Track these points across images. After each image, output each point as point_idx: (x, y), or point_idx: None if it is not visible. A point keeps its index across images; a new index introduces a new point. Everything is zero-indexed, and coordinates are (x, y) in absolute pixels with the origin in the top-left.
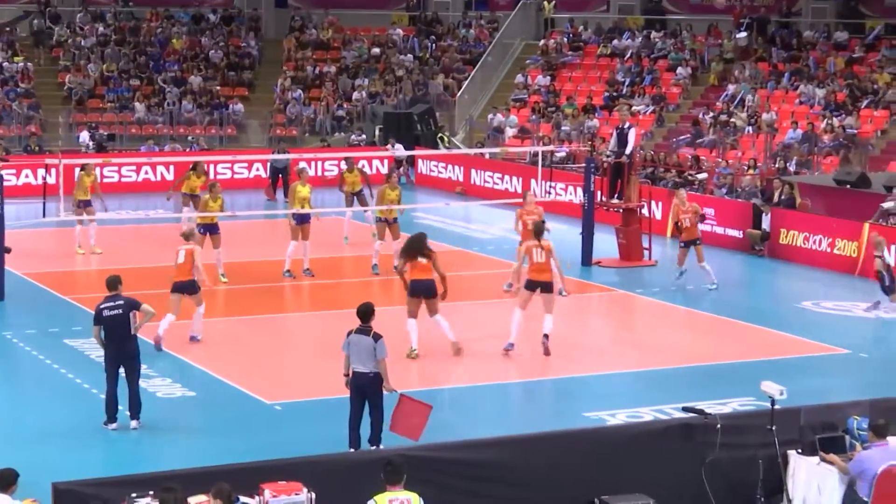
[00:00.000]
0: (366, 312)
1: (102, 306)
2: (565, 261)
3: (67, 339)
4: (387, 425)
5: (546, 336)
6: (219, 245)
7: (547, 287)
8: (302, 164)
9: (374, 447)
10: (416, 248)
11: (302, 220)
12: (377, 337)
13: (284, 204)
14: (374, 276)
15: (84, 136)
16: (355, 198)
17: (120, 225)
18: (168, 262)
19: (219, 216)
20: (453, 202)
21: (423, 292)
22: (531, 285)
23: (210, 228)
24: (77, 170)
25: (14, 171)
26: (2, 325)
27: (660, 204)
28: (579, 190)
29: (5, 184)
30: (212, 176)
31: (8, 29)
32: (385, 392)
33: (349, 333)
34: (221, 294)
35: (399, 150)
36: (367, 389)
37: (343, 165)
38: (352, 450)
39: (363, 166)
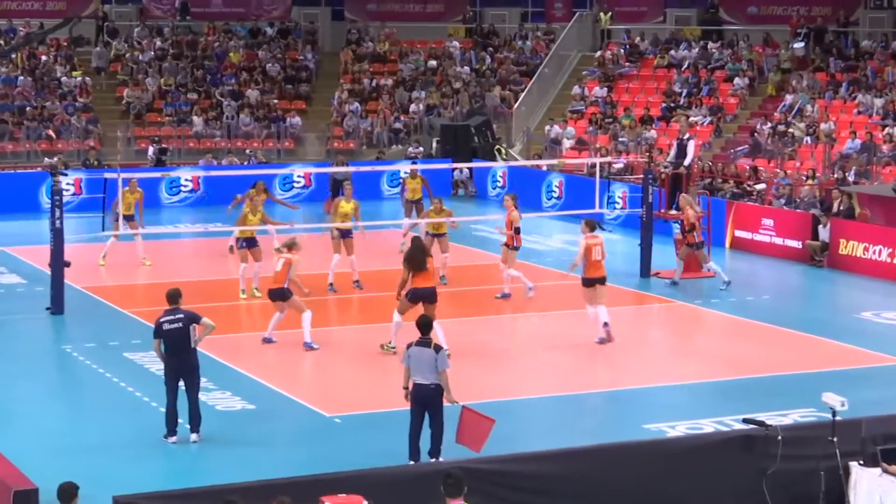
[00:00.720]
0: (426, 324)
1: (163, 320)
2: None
3: (127, 353)
4: (450, 436)
5: (606, 324)
6: (259, 258)
7: (603, 281)
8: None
9: (434, 459)
10: (422, 258)
11: (344, 234)
12: (438, 349)
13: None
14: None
15: (151, 150)
16: (414, 206)
17: (178, 239)
18: (224, 276)
19: (265, 229)
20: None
21: (426, 298)
22: (590, 282)
23: (249, 242)
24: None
25: (73, 184)
26: (62, 339)
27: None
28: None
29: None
30: (272, 190)
31: (66, 43)
32: (446, 404)
33: (409, 346)
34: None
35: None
36: (428, 402)
37: (404, 174)
38: (412, 462)
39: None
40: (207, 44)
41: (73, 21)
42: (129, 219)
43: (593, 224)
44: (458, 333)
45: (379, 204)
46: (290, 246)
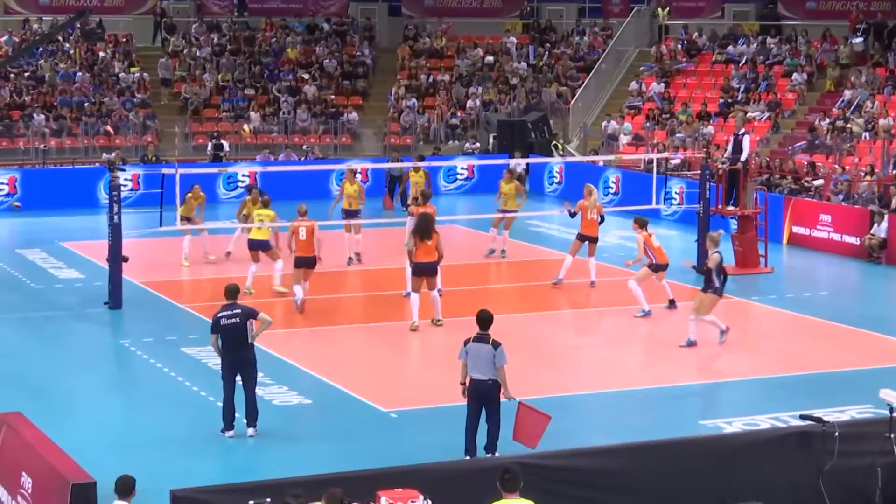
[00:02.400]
0: (485, 320)
1: (220, 315)
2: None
3: (184, 348)
4: (506, 432)
5: (672, 300)
6: (258, 259)
7: (665, 267)
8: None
9: (490, 454)
10: (426, 228)
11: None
12: (496, 344)
13: (402, 212)
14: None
15: (209, 146)
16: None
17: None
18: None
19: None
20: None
21: (427, 272)
22: (657, 267)
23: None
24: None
25: (130, 179)
26: (120, 334)
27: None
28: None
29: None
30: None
31: (124, 40)
32: (503, 399)
33: (466, 342)
34: (336, 302)
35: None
36: (485, 397)
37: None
38: (468, 457)
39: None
40: (264, 39)
41: (85, 15)
42: (188, 220)
43: (643, 221)
44: (515, 328)
45: (434, 199)
46: (304, 212)
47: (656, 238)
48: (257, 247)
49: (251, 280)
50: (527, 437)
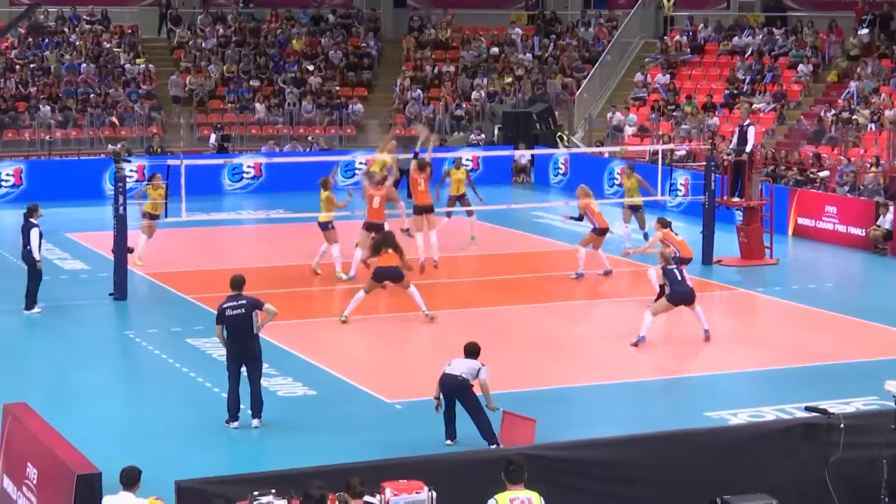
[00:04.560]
0: (472, 351)
1: (225, 305)
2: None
3: (190, 339)
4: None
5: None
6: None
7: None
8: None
9: (492, 446)
10: (384, 244)
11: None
12: (481, 365)
13: (409, 202)
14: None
15: (213, 137)
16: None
17: (240, 225)
18: (285, 262)
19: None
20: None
21: (390, 277)
22: (679, 261)
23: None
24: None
25: (136, 171)
26: (125, 325)
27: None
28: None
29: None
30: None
31: (130, 31)
32: (490, 410)
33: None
34: (342, 293)
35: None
36: (454, 392)
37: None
38: (448, 441)
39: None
40: (270, 31)
41: (33, 11)
42: (152, 217)
43: (666, 222)
44: (521, 320)
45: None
46: (380, 180)
47: (677, 233)
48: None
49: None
50: (519, 441)
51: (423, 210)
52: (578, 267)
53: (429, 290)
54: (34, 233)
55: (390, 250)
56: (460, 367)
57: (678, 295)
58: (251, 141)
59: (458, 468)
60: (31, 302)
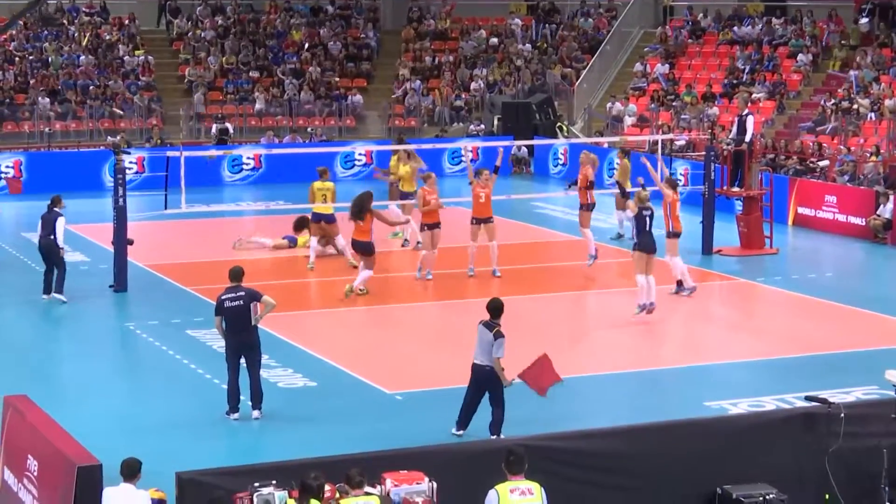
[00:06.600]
0: (494, 308)
1: (224, 297)
2: None
3: (189, 330)
4: (511, 414)
5: (679, 282)
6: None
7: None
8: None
9: (494, 436)
10: (356, 209)
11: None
12: (498, 335)
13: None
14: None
15: (214, 128)
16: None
17: (242, 216)
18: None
19: None
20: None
21: (361, 250)
22: (671, 234)
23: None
24: None
25: (135, 162)
26: (125, 316)
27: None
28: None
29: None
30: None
31: (128, 22)
32: (504, 386)
33: (480, 322)
34: (340, 285)
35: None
36: (483, 382)
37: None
38: (457, 429)
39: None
40: (269, 22)
41: (42, 1)
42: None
43: (675, 183)
44: (521, 310)
45: (440, 182)
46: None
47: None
48: (318, 219)
49: (314, 256)
50: (532, 381)
51: (480, 221)
52: (590, 249)
53: (428, 281)
54: (60, 222)
55: (360, 221)
56: (483, 349)
57: (645, 246)
58: (250, 132)
59: (459, 459)
60: (58, 287)
